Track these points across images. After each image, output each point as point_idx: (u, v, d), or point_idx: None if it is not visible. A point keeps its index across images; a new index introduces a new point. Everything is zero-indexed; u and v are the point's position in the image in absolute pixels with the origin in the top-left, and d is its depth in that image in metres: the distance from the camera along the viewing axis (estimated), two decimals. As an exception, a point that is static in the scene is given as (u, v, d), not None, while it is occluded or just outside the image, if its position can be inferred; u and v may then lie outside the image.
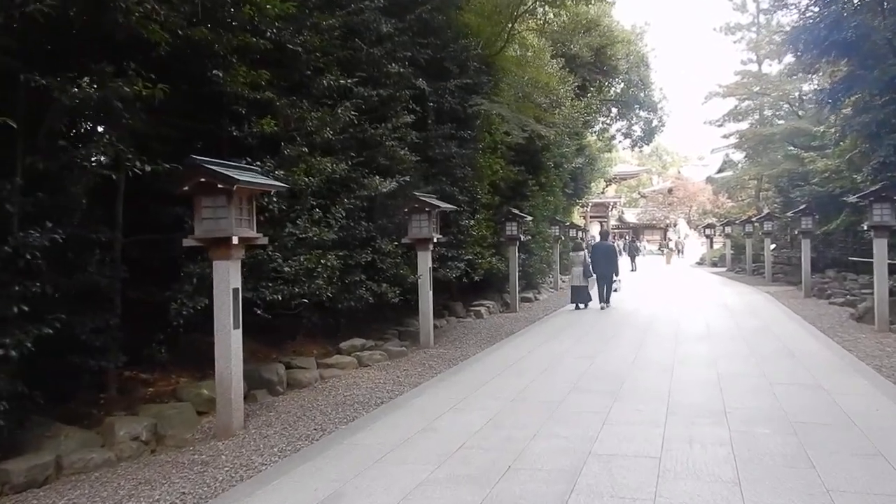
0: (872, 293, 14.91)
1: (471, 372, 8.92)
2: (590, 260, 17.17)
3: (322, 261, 8.20)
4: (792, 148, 26.74)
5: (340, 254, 8.96)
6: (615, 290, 17.25)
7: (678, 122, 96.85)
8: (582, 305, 16.75)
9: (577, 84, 25.48)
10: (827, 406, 6.70)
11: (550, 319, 14.91)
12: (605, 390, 7.56)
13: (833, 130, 18.34)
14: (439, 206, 10.76)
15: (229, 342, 6.26)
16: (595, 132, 34.36)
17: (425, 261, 10.93)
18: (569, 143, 22.29)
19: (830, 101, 14.12)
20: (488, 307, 15.56)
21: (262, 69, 7.37)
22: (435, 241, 10.95)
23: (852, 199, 12.31)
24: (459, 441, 5.78)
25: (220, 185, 5.99)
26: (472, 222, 13.91)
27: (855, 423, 6.04)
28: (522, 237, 16.91)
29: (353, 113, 9.26)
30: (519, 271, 17.74)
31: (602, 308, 16.41)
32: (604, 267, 16.84)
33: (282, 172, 7.58)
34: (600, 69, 28.42)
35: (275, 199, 7.44)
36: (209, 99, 7.39)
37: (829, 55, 13.56)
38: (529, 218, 17.49)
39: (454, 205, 13.27)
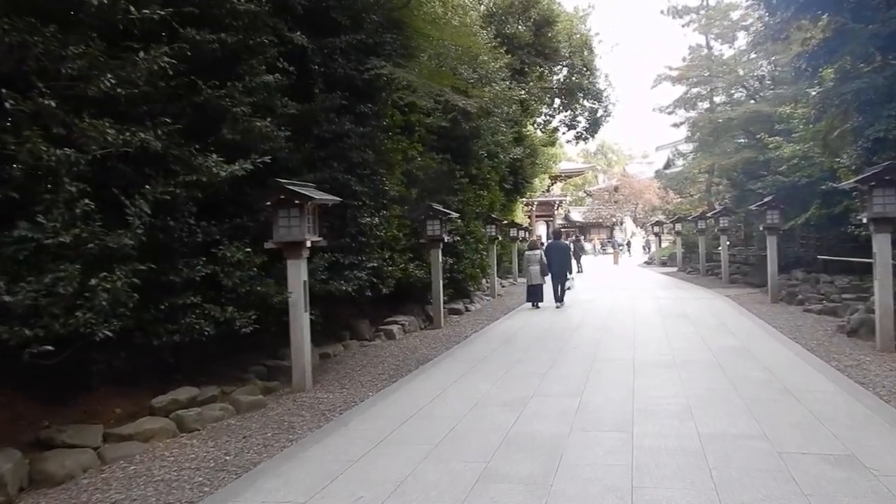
0: (857, 300, 12.65)
1: (341, 437, 6.06)
2: (546, 260, 17.09)
3: (93, 280, 5.24)
4: (743, 140, 24.66)
5: (142, 268, 6.00)
6: (568, 288, 17.64)
7: (624, 115, 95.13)
8: (537, 305, 16.83)
9: (515, 67, 22.93)
10: (893, 512, 4.05)
11: (479, 338, 12.16)
12: (533, 477, 4.80)
13: (803, 110, 16.05)
14: (314, 198, 7.87)
15: None
16: (537, 124, 31.87)
17: (298, 272, 8.03)
18: (504, 131, 19.57)
19: (810, 68, 11.70)
20: (403, 325, 12.71)
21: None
22: (309, 244, 8.05)
23: (845, 185, 9.84)
24: None
25: None
26: (377, 220, 11.06)
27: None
28: (448, 238, 14.14)
29: (166, 60, 6.30)
30: (446, 278, 15.02)
31: (557, 307, 16.61)
32: (558, 265, 17.14)
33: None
34: (541, 52, 25.85)
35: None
36: None
37: (809, 12, 11.12)
38: (455, 215, 14.71)
39: (351, 197, 10.45)
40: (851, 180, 9.42)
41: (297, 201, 7.82)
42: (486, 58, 15.31)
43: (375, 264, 10.95)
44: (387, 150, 11.41)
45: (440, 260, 13.82)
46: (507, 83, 17.83)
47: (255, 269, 7.61)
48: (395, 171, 12.31)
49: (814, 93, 15.90)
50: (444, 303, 15.01)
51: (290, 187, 7.74)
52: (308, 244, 7.99)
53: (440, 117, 14.15)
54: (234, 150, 7.58)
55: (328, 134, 9.93)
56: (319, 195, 8.07)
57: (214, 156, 6.92)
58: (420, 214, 13.58)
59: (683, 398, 6.94)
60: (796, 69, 12.38)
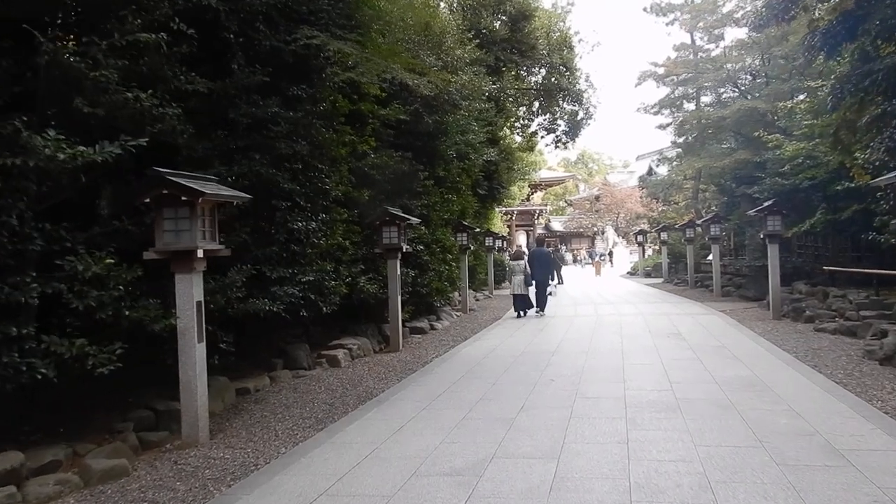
0: (879, 317, 10.95)
1: (210, 535, 4.17)
2: (529, 269, 16.84)
3: None
4: (729, 146, 23.11)
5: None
6: (551, 294, 17.78)
7: (605, 124, 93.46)
8: (523, 314, 16.73)
9: (489, 64, 21.20)
10: None
11: (441, 365, 10.27)
12: None
13: (807, 105, 14.39)
14: (205, 193, 5.95)
15: None
16: (515, 128, 30.18)
17: (189, 290, 6.12)
18: (476, 129, 17.76)
19: (826, 46, 9.99)
20: (351, 349, 10.80)
21: None
22: (201, 254, 6.14)
23: (880, 181, 8.09)
24: None
25: None
26: (315, 225, 9.19)
27: None
28: (407, 247, 12.26)
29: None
30: (407, 292, 13.16)
31: (539, 315, 16.55)
32: (540, 273, 16.95)
33: None
34: (517, 48, 24.17)
35: None
36: None
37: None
38: (416, 221, 12.82)
39: (280, 197, 8.60)
40: (888, 176, 7.65)
41: (184, 198, 5.92)
42: (451, 44, 13.47)
43: (312, 278, 9.07)
44: (327, 142, 9.52)
45: (398, 272, 11.93)
46: (476, 73, 15.97)
47: (122, 286, 5.69)
48: (341, 168, 10.45)
49: (814, 84, 14.29)
50: (405, 321, 13.21)
51: (175, 179, 5.84)
52: (200, 254, 6.08)
53: (398, 109, 12.32)
54: (101, 129, 5.74)
55: (248, 118, 8.10)
56: (214, 190, 6.15)
57: (52, 133, 5.02)
58: (374, 220, 11.70)
59: (697, 463, 5.09)
60: (808, 48, 10.66)
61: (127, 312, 5.67)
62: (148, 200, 5.99)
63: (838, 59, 10.66)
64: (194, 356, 6.15)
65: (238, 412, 7.44)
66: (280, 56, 8.46)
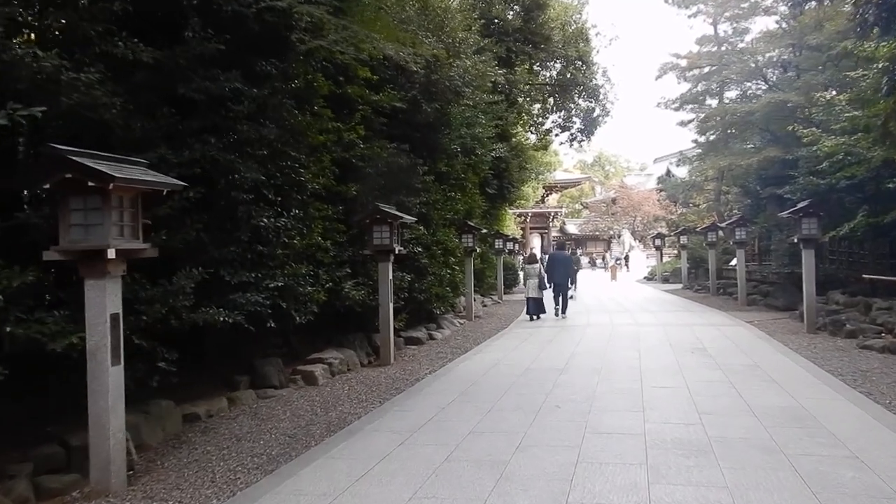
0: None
1: None
2: (545, 272, 17.05)
3: None
4: (752, 145, 21.68)
5: None
6: (571, 298, 17.88)
7: (622, 126, 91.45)
8: (536, 317, 16.60)
9: (501, 56, 19.95)
10: None
11: (433, 383, 8.99)
12: None
13: (848, 95, 12.97)
14: (115, 177, 4.69)
15: None
16: (529, 124, 28.87)
17: (102, 300, 4.89)
18: (483, 122, 16.46)
19: (880, 21, 8.65)
20: (331, 364, 9.52)
21: None
22: (113, 255, 4.87)
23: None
24: None
25: None
26: (287, 222, 7.96)
27: None
28: (400, 248, 10.97)
29: None
30: (403, 299, 11.93)
31: (558, 317, 16.59)
32: (559, 276, 16.87)
33: None
34: (531, 40, 22.87)
35: None
36: None
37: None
38: (412, 219, 11.53)
39: (240, 188, 7.36)
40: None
41: (92, 183, 4.70)
42: (454, 25, 12.21)
43: (282, 283, 7.84)
44: (302, 127, 8.28)
45: (390, 276, 10.67)
46: (483, 60, 14.69)
47: (3, 295, 4.47)
48: (322, 158, 9.22)
49: (854, 75, 12.85)
50: (400, 330, 12.01)
51: (79, 160, 4.61)
52: (112, 254, 4.83)
53: (392, 95, 11.07)
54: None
55: (200, 94, 6.85)
56: (132, 174, 4.89)
57: None
58: (363, 218, 10.46)
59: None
60: (860, 24, 9.31)
61: (10, 328, 4.44)
62: (48, 187, 4.77)
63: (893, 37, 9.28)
64: (107, 382, 4.91)
65: (178, 445, 6.20)
66: (244, 24, 7.23)
